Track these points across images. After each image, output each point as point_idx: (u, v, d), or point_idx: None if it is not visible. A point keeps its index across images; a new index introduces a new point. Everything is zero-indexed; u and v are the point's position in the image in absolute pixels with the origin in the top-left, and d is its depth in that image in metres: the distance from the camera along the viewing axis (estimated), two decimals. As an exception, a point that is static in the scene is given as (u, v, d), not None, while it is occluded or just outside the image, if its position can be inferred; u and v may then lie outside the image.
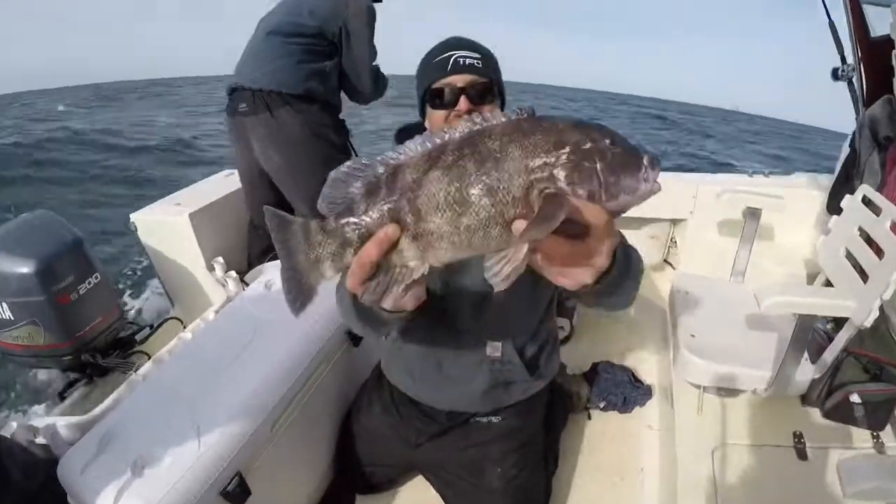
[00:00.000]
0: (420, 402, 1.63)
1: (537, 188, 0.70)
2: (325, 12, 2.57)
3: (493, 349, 1.48)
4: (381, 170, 0.77)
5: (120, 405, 1.59)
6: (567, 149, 0.70)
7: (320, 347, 1.74)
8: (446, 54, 1.33)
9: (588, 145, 0.71)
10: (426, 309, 1.02)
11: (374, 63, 2.75)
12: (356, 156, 2.98)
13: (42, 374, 2.47)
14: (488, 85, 1.35)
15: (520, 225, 0.69)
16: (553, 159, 0.70)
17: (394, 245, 0.75)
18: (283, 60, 2.56)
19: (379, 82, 2.85)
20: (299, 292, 0.82)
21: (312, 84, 2.59)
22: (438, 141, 0.76)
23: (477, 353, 1.49)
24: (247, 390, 1.52)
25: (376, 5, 2.87)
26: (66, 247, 2.04)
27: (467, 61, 1.32)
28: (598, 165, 0.70)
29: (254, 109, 2.55)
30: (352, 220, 0.77)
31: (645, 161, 0.72)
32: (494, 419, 1.61)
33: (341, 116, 2.87)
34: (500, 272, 0.73)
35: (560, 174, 0.69)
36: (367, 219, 0.76)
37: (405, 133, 1.52)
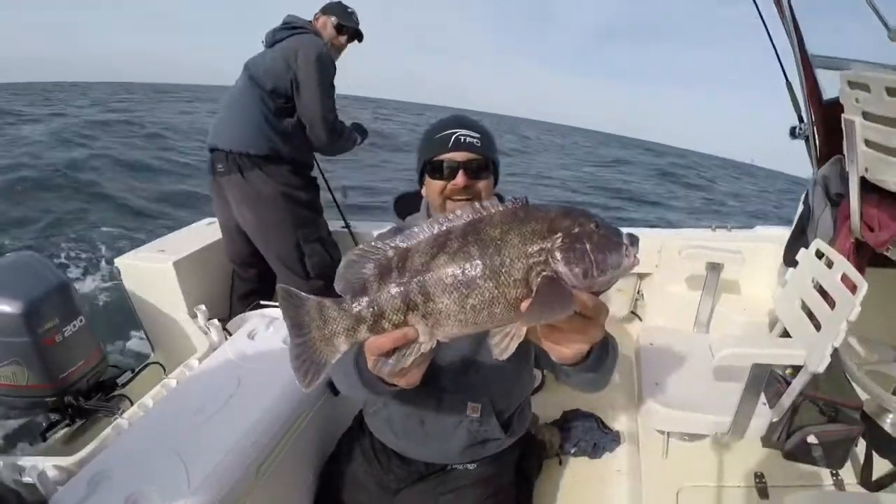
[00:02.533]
0: (400, 454, 1.69)
1: (535, 270, 0.80)
2: (276, 69, 2.68)
3: (473, 410, 1.55)
4: (391, 253, 0.87)
5: (107, 448, 1.62)
6: (560, 234, 0.81)
7: (302, 397, 1.78)
8: (449, 131, 1.45)
9: (577, 230, 0.81)
10: None
11: (331, 114, 2.80)
12: (336, 204, 3.09)
13: (22, 414, 2.48)
14: (484, 162, 1.46)
15: (525, 305, 0.79)
16: (549, 244, 0.80)
17: (405, 322, 0.85)
18: (248, 122, 2.68)
19: (338, 133, 2.89)
20: (310, 366, 0.89)
21: (276, 144, 2.70)
22: (443, 227, 0.86)
23: (457, 413, 1.56)
24: (234, 436, 1.57)
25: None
26: (52, 289, 2.06)
27: (467, 139, 1.43)
28: (588, 246, 0.80)
29: (228, 170, 2.69)
30: (366, 299, 0.86)
31: (626, 240, 0.83)
32: (471, 466, 1.67)
33: (314, 174, 2.98)
34: (505, 346, 0.83)
35: (557, 256, 0.79)
36: (380, 298, 0.85)
37: (403, 201, 1.65)
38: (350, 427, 1.87)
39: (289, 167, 2.76)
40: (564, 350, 0.92)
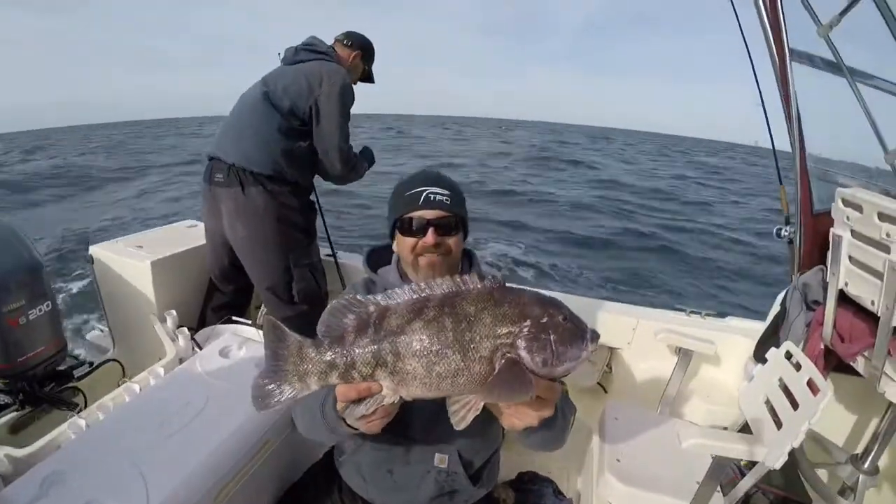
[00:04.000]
0: (367, 501, 1.65)
1: (501, 351, 0.88)
2: (297, 90, 2.65)
3: (441, 461, 1.55)
4: (371, 308, 0.95)
5: (64, 448, 1.58)
6: (529, 322, 0.89)
7: (271, 423, 1.76)
8: (419, 189, 1.47)
9: (545, 320, 0.90)
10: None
11: (346, 144, 2.80)
12: (327, 233, 3.09)
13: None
14: (454, 220, 1.49)
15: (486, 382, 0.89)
16: (517, 329, 0.89)
17: (372, 376, 0.94)
18: (256, 139, 2.64)
19: (352, 165, 2.89)
20: (275, 391, 0.98)
21: (281, 165, 2.66)
22: (423, 293, 0.94)
23: (425, 463, 1.55)
24: (197, 456, 1.54)
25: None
26: (24, 268, 2.02)
27: (437, 197, 1.46)
28: (553, 337, 0.89)
29: (228, 182, 2.64)
30: (341, 349, 0.94)
31: (588, 335, 0.92)
32: None
33: (312, 197, 2.96)
34: (462, 416, 0.92)
35: (521, 343, 0.88)
36: (354, 350, 0.93)
37: (375, 255, 1.67)
38: (320, 461, 1.83)
39: (290, 188, 2.71)
40: (515, 421, 1.03)
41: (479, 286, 0.94)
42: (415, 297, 0.94)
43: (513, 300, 0.92)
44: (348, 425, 1.15)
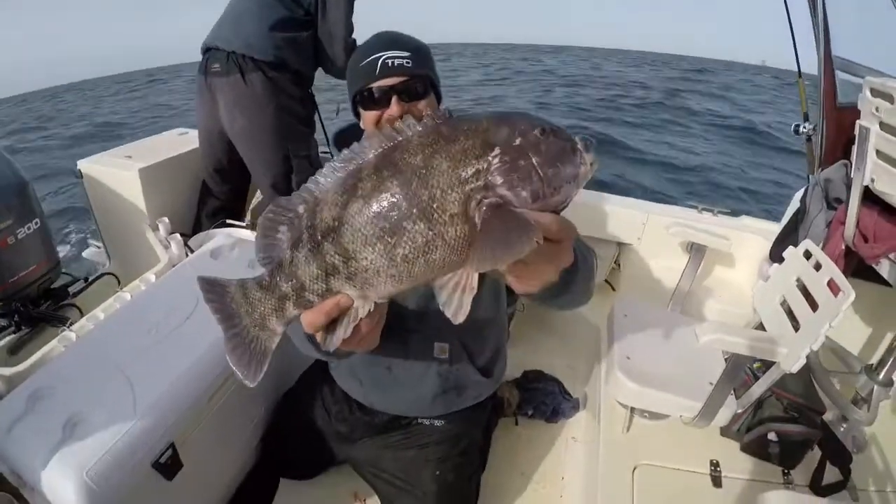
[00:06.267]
0: (365, 405, 1.59)
1: (475, 199, 0.65)
2: None
3: (441, 350, 1.45)
4: (301, 209, 0.73)
5: (52, 362, 1.54)
6: (497, 150, 0.66)
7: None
8: (374, 56, 1.30)
9: (518, 141, 0.66)
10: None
11: (351, 37, 2.70)
12: (323, 129, 3.01)
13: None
14: (419, 82, 1.32)
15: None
16: (485, 164, 0.65)
17: (328, 289, 0.72)
18: (257, 25, 2.53)
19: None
20: (251, 357, 0.78)
21: (284, 53, 2.57)
22: (351, 166, 0.71)
23: (425, 356, 1.45)
24: (187, 360, 1.50)
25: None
26: (10, 188, 1.97)
27: (396, 62, 1.29)
28: (535, 160, 0.65)
29: (226, 71, 2.54)
30: (283, 273, 0.74)
31: (579, 145, 0.68)
32: (438, 423, 1.59)
33: (312, 90, 2.87)
34: (458, 305, 0.67)
35: (497, 180, 0.65)
36: (296, 269, 0.73)
37: (343, 136, 1.51)
38: (311, 367, 1.78)
39: (291, 77, 2.64)
40: (531, 283, 0.75)
41: (418, 128, 0.70)
42: (342, 174, 0.71)
43: (468, 129, 0.67)
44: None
